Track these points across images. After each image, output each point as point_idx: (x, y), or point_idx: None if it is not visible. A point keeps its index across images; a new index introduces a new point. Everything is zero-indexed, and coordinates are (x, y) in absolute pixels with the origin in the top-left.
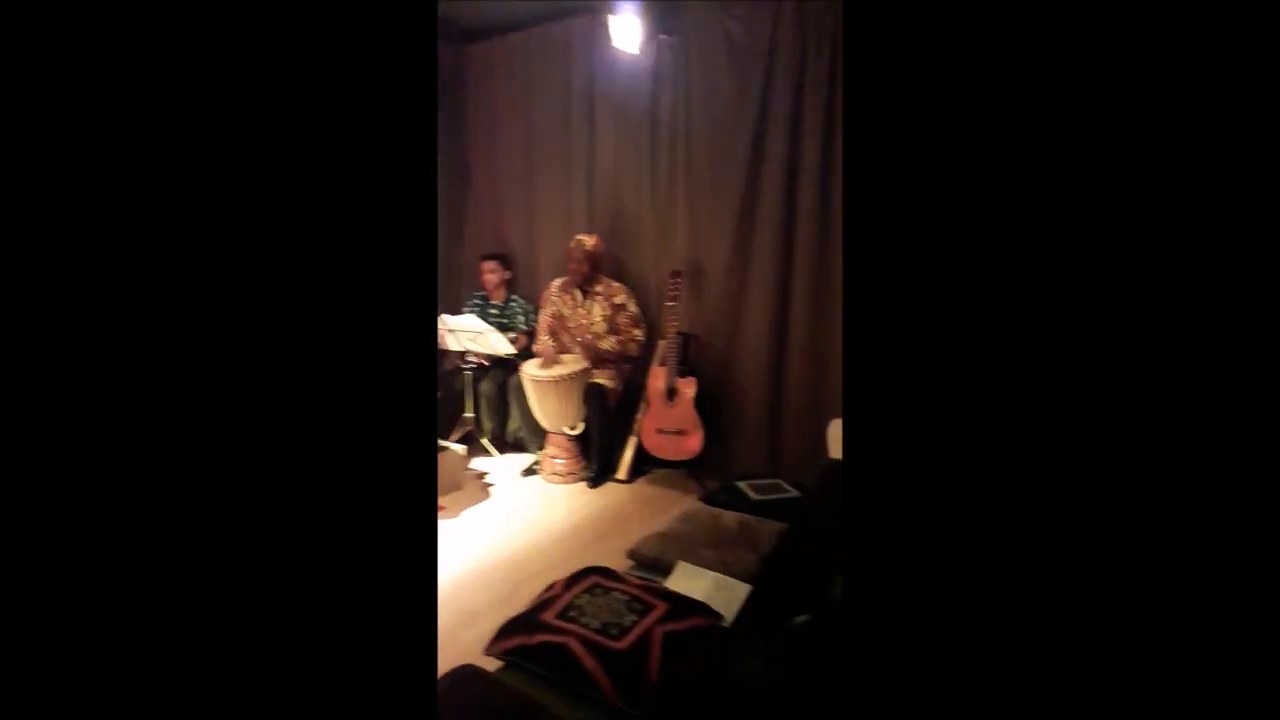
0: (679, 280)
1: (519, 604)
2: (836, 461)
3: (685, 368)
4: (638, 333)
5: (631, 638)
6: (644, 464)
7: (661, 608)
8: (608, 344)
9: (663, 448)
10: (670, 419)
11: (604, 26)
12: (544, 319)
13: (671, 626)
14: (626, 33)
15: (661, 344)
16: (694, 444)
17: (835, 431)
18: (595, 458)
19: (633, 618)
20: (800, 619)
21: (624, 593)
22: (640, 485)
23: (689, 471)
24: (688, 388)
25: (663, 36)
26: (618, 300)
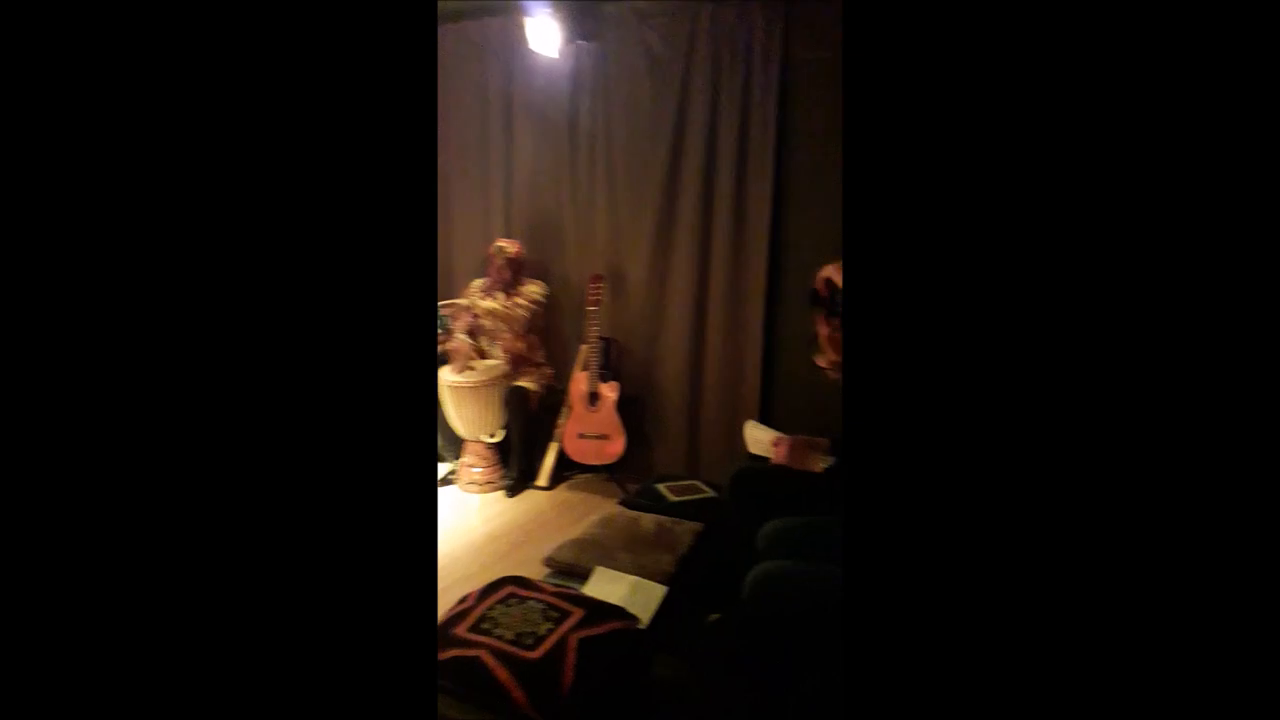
0: (600, 285)
1: None
2: (748, 462)
3: (607, 372)
4: (523, 300)
5: (546, 646)
6: (565, 469)
7: (577, 614)
8: (493, 304)
9: (585, 453)
10: (592, 424)
11: (521, 28)
12: (462, 319)
13: (587, 632)
14: (544, 36)
15: (583, 349)
16: (616, 448)
17: (751, 431)
18: (515, 464)
19: (548, 626)
20: (713, 617)
21: (539, 601)
22: (561, 491)
23: (610, 475)
24: (610, 392)
25: (581, 41)
26: (530, 288)
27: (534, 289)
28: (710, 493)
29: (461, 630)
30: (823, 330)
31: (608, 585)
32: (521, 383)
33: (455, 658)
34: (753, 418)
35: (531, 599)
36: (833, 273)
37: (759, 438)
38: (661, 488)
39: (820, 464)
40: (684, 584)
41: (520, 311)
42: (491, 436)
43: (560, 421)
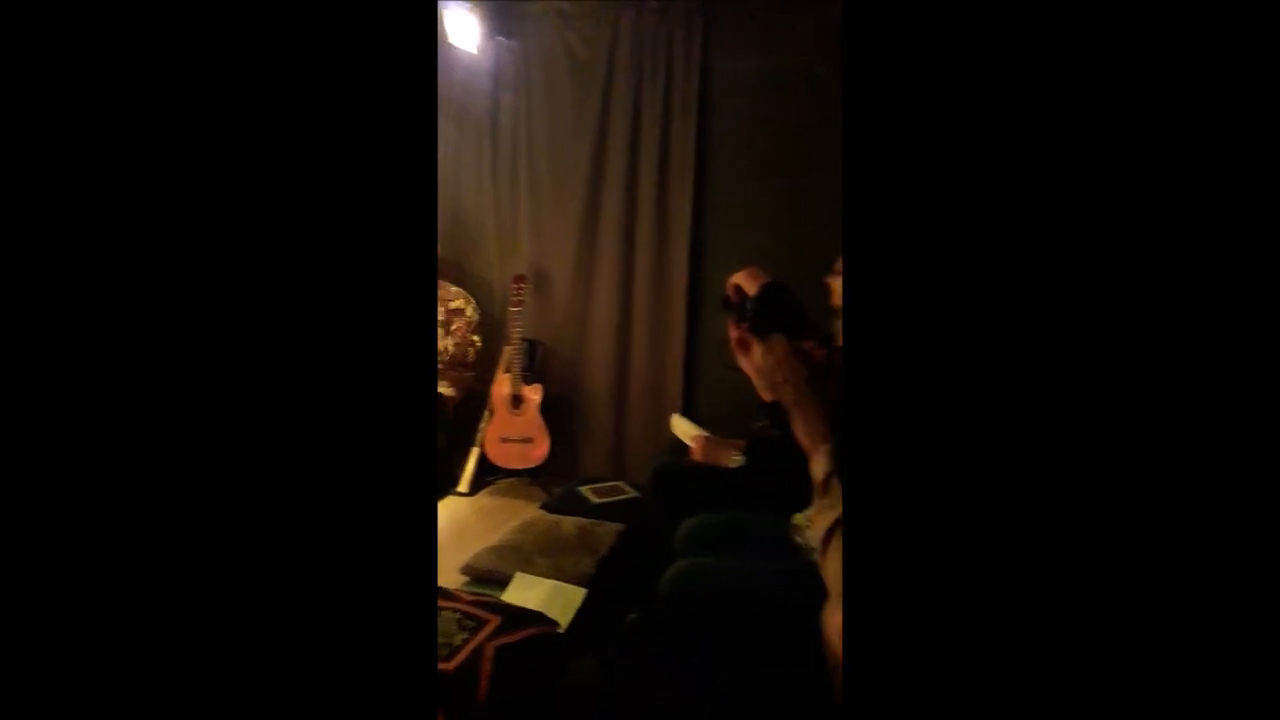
0: (522, 285)
1: None
2: (668, 458)
3: (531, 374)
4: (475, 339)
5: (461, 657)
6: (488, 474)
7: (494, 622)
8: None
9: (508, 457)
10: (516, 427)
11: (439, 21)
12: None
13: (504, 640)
14: (463, 30)
15: (506, 350)
16: (541, 451)
17: (678, 424)
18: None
19: (464, 636)
20: (631, 617)
21: (455, 610)
22: (482, 497)
23: (534, 479)
24: (534, 394)
25: (501, 38)
26: (454, 305)
27: (459, 304)
28: (633, 493)
29: None
30: (733, 334)
31: (527, 591)
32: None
33: None
34: (678, 412)
35: (447, 609)
36: (742, 279)
37: (685, 430)
38: (585, 490)
39: (732, 461)
40: (604, 586)
41: (471, 353)
42: None
43: (481, 425)
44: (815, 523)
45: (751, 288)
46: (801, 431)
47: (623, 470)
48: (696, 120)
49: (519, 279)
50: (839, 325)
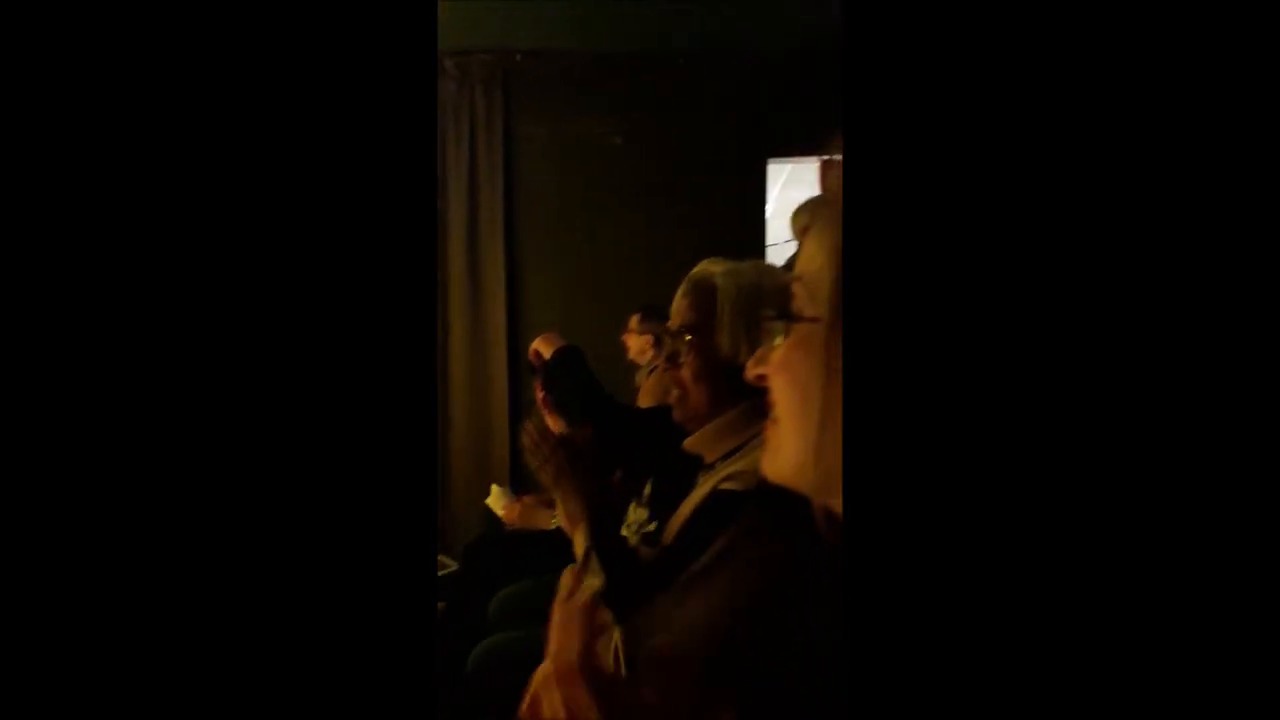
0: None
1: None
2: (486, 529)
3: None
4: None
5: None
6: None
7: None
8: None
9: None
10: None
11: None
12: None
13: None
14: None
15: None
16: None
17: (492, 501)
18: None
19: None
20: (447, 695)
21: None
22: None
23: None
24: None
25: None
26: None
27: None
28: (454, 566)
29: None
30: (538, 395)
31: None
32: None
33: None
34: (503, 480)
35: None
36: (540, 344)
37: (498, 503)
38: None
39: (551, 522)
40: None
41: None
42: None
43: None
44: (578, 595)
45: (548, 352)
46: (561, 511)
47: (447, 543)
48: (504, 177)
49: None
50: (638, 377)
